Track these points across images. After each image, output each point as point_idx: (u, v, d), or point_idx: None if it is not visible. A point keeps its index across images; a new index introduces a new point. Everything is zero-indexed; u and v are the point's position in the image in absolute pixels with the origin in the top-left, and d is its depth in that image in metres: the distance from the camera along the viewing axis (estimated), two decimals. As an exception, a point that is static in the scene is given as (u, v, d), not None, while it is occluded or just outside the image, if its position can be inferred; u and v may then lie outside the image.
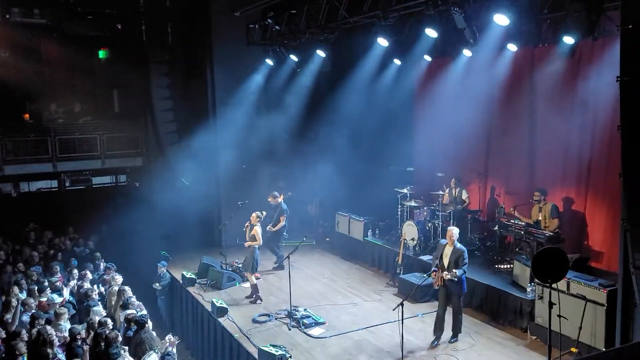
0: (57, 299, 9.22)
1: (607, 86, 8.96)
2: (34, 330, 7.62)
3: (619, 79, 6.42)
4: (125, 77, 15.74)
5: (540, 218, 9.76)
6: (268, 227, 11.72)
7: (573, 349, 7.56)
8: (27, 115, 15.97)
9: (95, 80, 16.04)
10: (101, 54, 16.27)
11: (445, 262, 8.14)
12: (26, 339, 7.38)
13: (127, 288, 9.38)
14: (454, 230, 8.25)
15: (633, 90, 6.33)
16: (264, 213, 10.81)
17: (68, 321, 8.24)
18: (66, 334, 7.65)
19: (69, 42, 15.02)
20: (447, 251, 8.18)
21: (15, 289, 9.40)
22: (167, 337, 7.67)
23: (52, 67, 15.53)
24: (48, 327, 7.43)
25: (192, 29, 15.08)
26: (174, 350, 7.45)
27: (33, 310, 8.45)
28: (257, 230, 10.34)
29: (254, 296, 10.32)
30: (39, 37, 15.14)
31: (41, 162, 15.49)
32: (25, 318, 8.30)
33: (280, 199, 11.96)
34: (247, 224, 10.58)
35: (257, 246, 10.33)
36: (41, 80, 15.56)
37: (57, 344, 7.32)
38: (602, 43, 8.99)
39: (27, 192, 16.18)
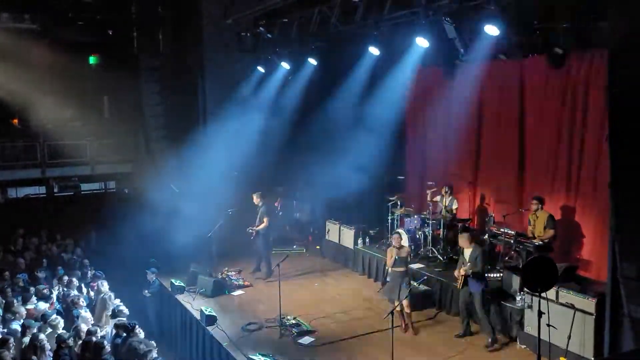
0: (44, 306, 9.09)
1: (595, 96, 9.09)
2: (26, 339, 7.52)
3: (607, 89, 6.48)
4: (115, 83, 15.71)
5: (530, 227, 9.75)
6: (249, 228, 11.73)
7: (562, 358, 7.58)
8: (15, 120, 15.87)
9: (86, 86, 15.99)
10: (92, 60, 16.23)
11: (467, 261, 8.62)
12: (13, 348, 7.27)
13: (113, 296, 9.29)
14: (465, 235, 8.82)
15: (621, 100, 6.39)
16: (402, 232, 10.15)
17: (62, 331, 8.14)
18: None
19: (60, 48, 14.97)
20: (467, 252, 8.66)
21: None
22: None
23: (42, 73, 15.46)
24: (42, 335, 7.32)
25: (183, 36, 15.09)
26: None
27: (23, 319, 8.33)
28: (408, 252, 9.50)
29: (409, 320, 9.21)
30: (30, 42, 15.07)
31: (29, 168, 15.36)
32: (16, 326, 8.17)
33: (259, 200, 11.91)
34: (389, 252, 9.16)
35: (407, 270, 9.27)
36: (31, 85, 15.48)
37: (49, 349, 7.24)
38: (591, 54, 9.09)
39: (14, 198, 16.03)
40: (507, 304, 8.92)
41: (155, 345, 7.69)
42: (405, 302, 8.93)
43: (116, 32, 16.02)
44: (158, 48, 15.73)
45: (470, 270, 8.44)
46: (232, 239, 12.49)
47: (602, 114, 8.74)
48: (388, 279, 9.64)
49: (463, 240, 8.75)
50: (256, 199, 11.96)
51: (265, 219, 11.71)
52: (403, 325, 9.14)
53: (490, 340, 8.49)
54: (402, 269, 9.08)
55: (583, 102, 9.44)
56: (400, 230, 11.60)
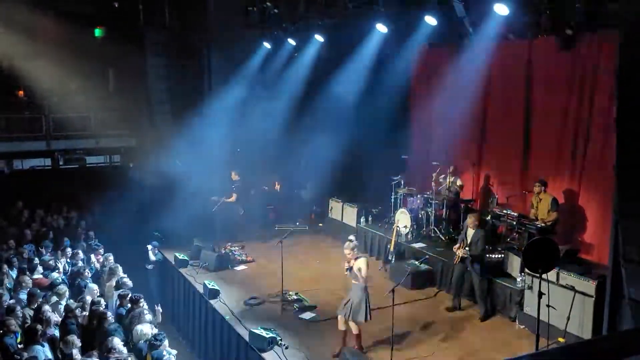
0: (54, 276, 9.20)
1: (604, 79, 9.01)
2: (31, 308, 7.62)
3: (616, 71, 6.43)
4: (120, 57, 15.62)
5: (533, 209, 9.75)
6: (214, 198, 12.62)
7: (560, 339, 7.65)
8: (21, 92, 15.84)
9: (91, 59, 15.90)
10: (97, 32, 16.12)
11: (468, 241, 8.88)
12: (20, 316, 7.38)
13: (119, 267, 9.38)
14: (474, 215, 9.12)
15: (630, 82, 6.34)
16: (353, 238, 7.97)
17: (68, 300, 8.24)
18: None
19: (65, 19, 14.86)
20: (470, 232, 8.89)
21: (5, 267, 9.38)
22: (157, 308, 7.98)
23: (47, 44, 15.38)
24: (46, 306, 7.40)
25: (189, 10, 14.95)
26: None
27: (29, 288, 8.43)
28: (362, 264, 7.52)
29: (358, 345, 7.76)
30: (35, 14, 14.96)
31: (35, 140, 15.38)
32: (22, 296, 8.27)
33: (237, 177, 12.87)
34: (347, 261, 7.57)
35: (364, 286, 7.58)
36: (36, 57, 15.43)
37: (54, 320, 7.33)
38: (600, 36, 8.98)
39: (20, 170, 16.09)
40: (508, 285, 8.98)
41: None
42: (352, 325, 7.62)
43: (122, 4, 15.91)
44: (164, 22, 15.61)
45: (469, 253, 8.70)
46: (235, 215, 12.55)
47: (609, 97, 8.68)
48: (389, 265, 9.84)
49: (472, 220, 8.92)
50: (234, 175, 12.81)
51: (233, 195, 12.68)
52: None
53: (482, 314, 8.89)
54: (355, 283, 7.55)
55: (591, 84, 9.37)
56: (403, 209, 11.68)
